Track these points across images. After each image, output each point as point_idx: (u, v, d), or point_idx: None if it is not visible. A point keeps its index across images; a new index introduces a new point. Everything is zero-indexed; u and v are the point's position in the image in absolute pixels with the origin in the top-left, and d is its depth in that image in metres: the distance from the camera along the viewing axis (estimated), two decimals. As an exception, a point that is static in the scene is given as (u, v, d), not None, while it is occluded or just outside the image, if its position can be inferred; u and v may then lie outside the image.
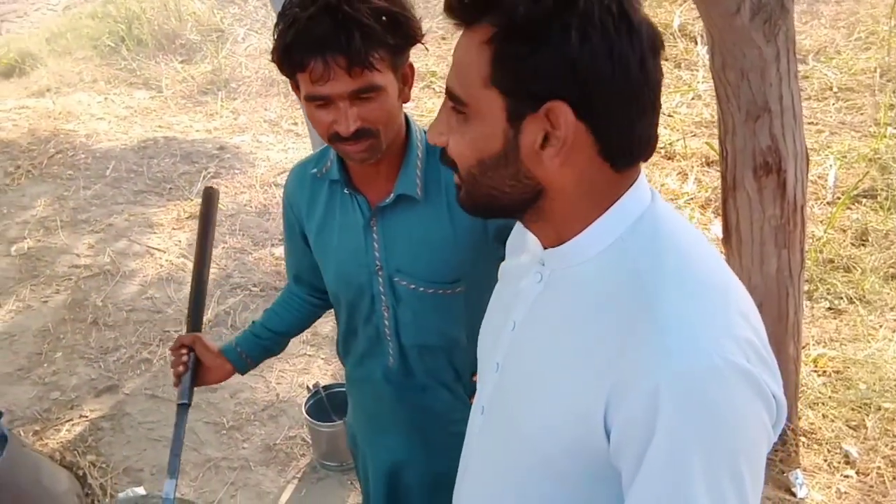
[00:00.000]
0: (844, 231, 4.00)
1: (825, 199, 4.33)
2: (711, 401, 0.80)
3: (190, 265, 3.81)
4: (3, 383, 3.13)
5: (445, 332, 1.49)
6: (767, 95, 2.37)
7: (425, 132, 1.44)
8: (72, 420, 2.95)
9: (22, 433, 2.84)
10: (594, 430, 0.86)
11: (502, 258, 1.28)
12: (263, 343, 1.68)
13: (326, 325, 3.32)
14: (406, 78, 1.35)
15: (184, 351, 1.61)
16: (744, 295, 0.90)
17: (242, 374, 1.70)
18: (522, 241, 1.10)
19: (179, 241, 4.07)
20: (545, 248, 0.98)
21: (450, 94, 0.90)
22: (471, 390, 1.54)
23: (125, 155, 4.94)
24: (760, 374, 0.82)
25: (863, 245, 3.91)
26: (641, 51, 0.84)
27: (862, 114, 5.11)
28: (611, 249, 0.91)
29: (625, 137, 0.88)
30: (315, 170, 1.49)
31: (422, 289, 1.43)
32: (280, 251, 3.97)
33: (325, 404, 2.69)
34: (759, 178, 2.48)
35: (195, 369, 1.61)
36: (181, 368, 1.60)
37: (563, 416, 0.90)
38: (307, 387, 2.78)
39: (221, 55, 6.45)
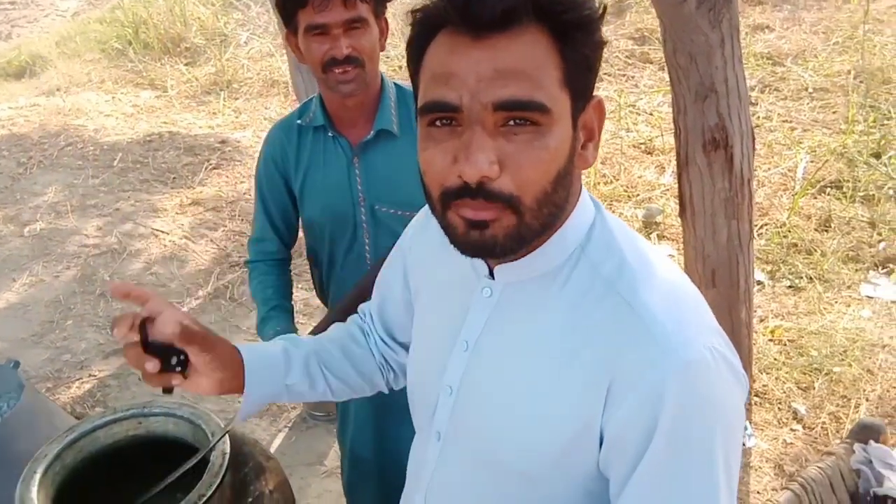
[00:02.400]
0: (809, 218, 4.24)
1: (793, 190, 4.58)
2: (709, 390, 0.82)
3: (193, 246, 4.07)
4: (17, 348, 3.38)
5: None
6: (714, 77, 2.61)
7: (396, 84, 1.71)
8: (81, 378, 3.20)
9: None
10: (587, 438, 0.86)
11: None
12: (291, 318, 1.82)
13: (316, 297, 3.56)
14: (383, 29, 1.63)
15: None
16: (695, 288, 0.92)
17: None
18: (437, 253, 1.06)
19: (182, 225, 4.32)
20: (494, 265, 0.94)
21: (522, 105, 0.79)
22: None
23: (131, 148, 5.21)
24: (733, 357, 0.86)
25: (825, 231, 4.14)
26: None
27: (834, 112, 5.35)
28: (573, 257, 0.91)
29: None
30: (300, 120, 1.75)
31: (401, 212, 1.68)
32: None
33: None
34: (709, 154, 2.73)
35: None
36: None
37: (544, 429, 0.88)
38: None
39: (225, 58, 6.72)
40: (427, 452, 1.05)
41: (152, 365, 0.96)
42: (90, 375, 3.22)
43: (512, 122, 0.79)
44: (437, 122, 0.82)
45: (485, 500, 0.97)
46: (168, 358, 0.99)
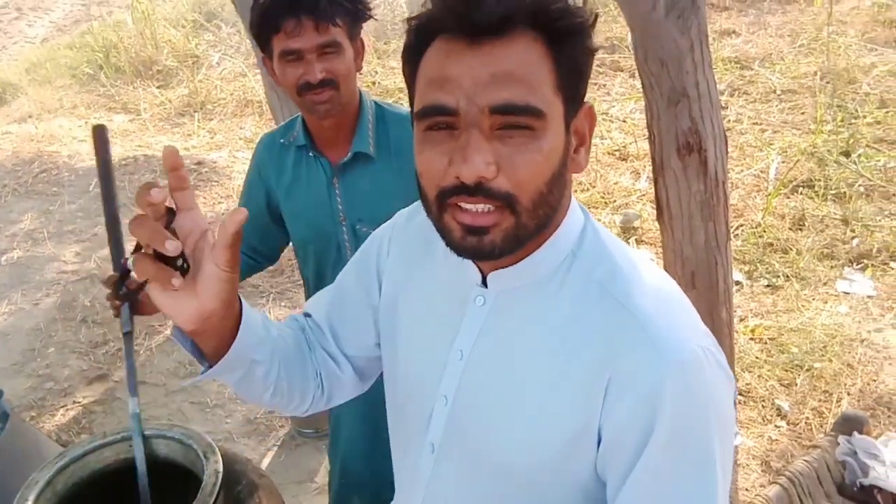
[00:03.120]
0: (783, 217, 4.30)
1: (766, 190, 4.65)
2: (703, 389, 0.84)
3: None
4: (-1, 377, 3.35)
5: None
6: (685, 82, 2.66)
7: (376, 102, 1.73)
8: (66, 406, 3.17)
9: (19, 419, 3.06)
10: (587, 436, 0.87)
11: None
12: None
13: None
14: (359, 50, 1.65)
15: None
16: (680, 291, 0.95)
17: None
18: (421, 259, 1.06)
19: (161, 248, 4.30)
20: (487, 272, 0.95)
21: (518, 109, 0.81)
22: None
23: (107, 172, 5.18)
24: (721, 357, 0.87)
25: (800, 229, 4.20)
26: None
27: (803, 113, 5.44)
28: (565, 263, 0.92)
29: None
30: (283, 139, 1.77)
31: None
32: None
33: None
34: (683, 157, 2.77)
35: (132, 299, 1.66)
36: (118, 302, 1.66)
37: (544, 435, 0.89)
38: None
39: (197, 79, 6.70)
40: (420, 465, 1.03)
41: (174, 246, 0.77)
42: (74, 402, 3.19)
43: (507, 126, 0.81)
44: (435, 127, 0.83)
45: None
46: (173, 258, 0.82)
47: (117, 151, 5.58)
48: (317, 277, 1.83)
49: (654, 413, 0.82)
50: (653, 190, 2.74)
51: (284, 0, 1.55)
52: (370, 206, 1.70)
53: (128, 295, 1.64)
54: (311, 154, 1.74)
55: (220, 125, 6.09)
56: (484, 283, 0.96)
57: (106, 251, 4.34)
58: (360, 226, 1.72)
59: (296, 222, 1.81)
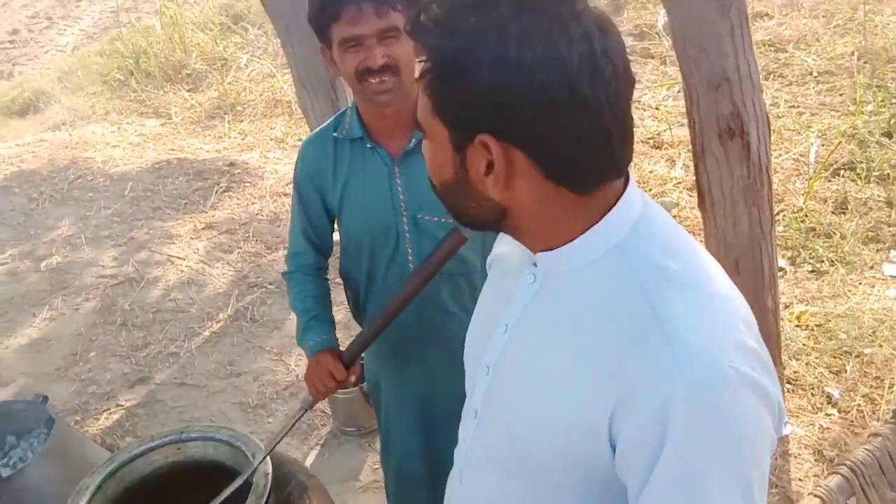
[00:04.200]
0: (825, 201, 4.21)
1: (807, 174, 4.55)
2: (722, 411, 0.81)
3: (209, 270, 4.07)
4: (42, 382, 3.38)
5: (464, 258, 1.68)
6: (725, 66, 2.60)
7: None
8: (109, 409, 3.20)
9: (64, 423, 3.08)
10: (596, 438, 0.86)
11: None
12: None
13: (339, 312, 3.54)
14: None
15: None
16: (743, 301, 0.91)
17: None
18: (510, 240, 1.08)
19: (198, 249, 4.32)
20: (537, 252, 0.96)
21: (416, 120, 0.95)
22: None
23: (141, 176, 5.22)
24: (763, 381, 0.83)
25: (843, 213, 4.11)
26: (569, 80, 0.82)
27: (841, 95, 5.32)
28: (608, 257, 0.91)
29: (570, 163, 0.87)
30: (336, 133, 1.74)
31: (444, 220, 1.65)
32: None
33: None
34: (725, 143, 2.71)
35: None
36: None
37: (559, 422, 0.90)
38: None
39: (227, 81, 6.73)
40: (466, 430, 1.09)
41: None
42: (117, 406, 3.21)
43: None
44: None
45: (506, 483, 0.99)
46: None
47: (150, 156, 5.62)
48: (369, 276, 1.80)
49: (665, 432, 0.81)
50: (689, 177, 2.69)
51: None
52: (433, 195, 1.66)
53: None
54: (368, 146, 1.70)
55: (250, 126, 6.10)
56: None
57: (143, 255, 4.40)
58: (421, 215, 1.69)
59: (352, 217, 1.77)
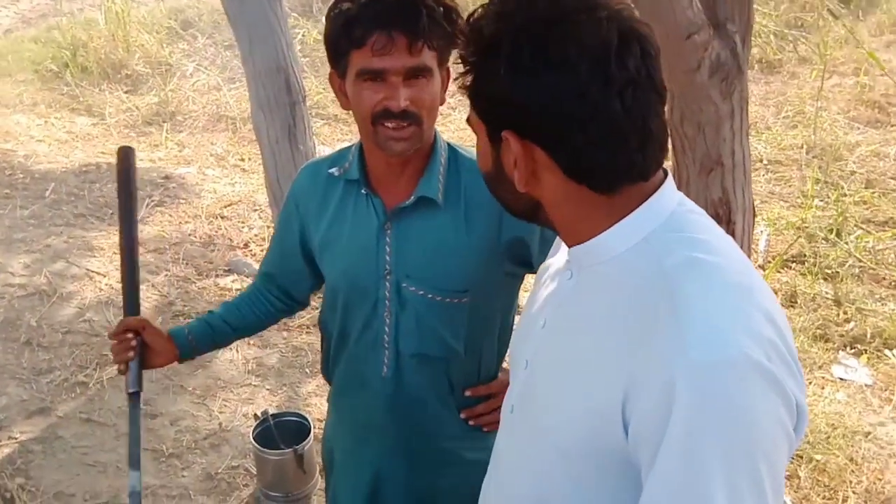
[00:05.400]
0: (776, 293, 4.19)
1: (757, 262, 4.53)
2: (728, 394, 0.80)
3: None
4: (-75, 401, 2.98)
5: (446, 342, 1.49)
6: (721, 150, 2.50)
7: (449, 143, 1.50)
8: (0, 441, 2.82)
9: (-56, 453, 2.70)
10: (611, 424, 0.87)
11: (508, 274, 1.33)
12: (216, 335, 1.66)
13: (273, 356, 3.29)
14: (444, 80, 1.41)
15: (130, 335, 1.54)
16: (771, 298, 0.92)
17: (182, 362, 1.67)
18: (560, 243, 1.13)
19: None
20: (571, 247, 1.01)
21: (467, 117, 1.01)
22: (462, 404, 1.55)
23: (65, 178, 4.83)
24: (779, 373, 0.83)
25: (792, 307, 4.08)
26: (579, 83, 0.87)
27: (790, 186, 5.40)
28: (636, 249, 0.93)
29: (585, 164, 0.91)
30: (333, 169, 1.52)
31: (430, 295, 1.45)
32: (224, 282, 3.92)
33: (272, 432, 2.62)
34: (710, 229, 2.60)
35: (142, 354, 1.54)
36: (131, 354, 1.53)
37: (580, 409, 0.91)
38: (255, 414, 2.72)
39: (169, 88, 6.40)
40: (504, 422, 1.12)
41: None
42: (10, 438, 2.84)
43: None
44: None
45: (528, 473, 1.02)
46: None
47: (78, 157, 5.23)
48: (341, 334, 1.57)
49: (670, 412, 0.81)
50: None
51: (375, 10, 1.31)
52: (424, 262, 1.45)
53: (141, 346, 1.52)
54: (363, 191, 1.48)
55: (189, 139, 5.78)
56: None
57: (59, 265, 4.02)
58: (406, 283, 1.46)
59: (330, 267, 1.55)
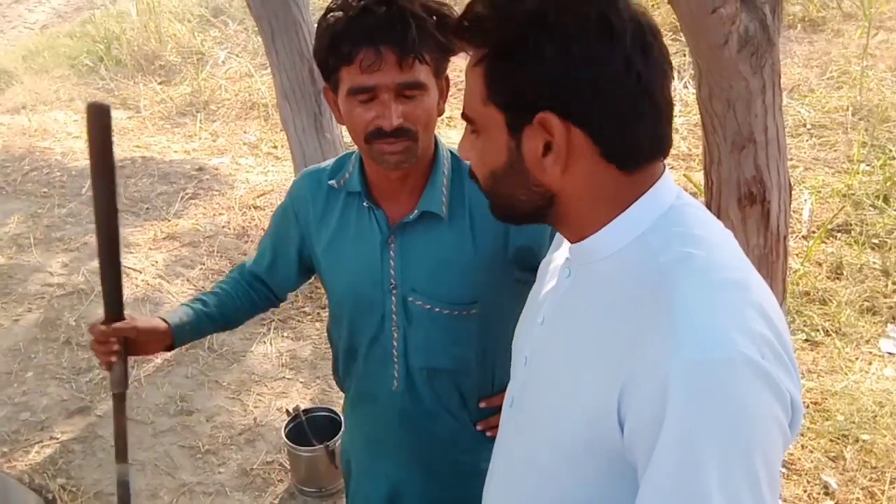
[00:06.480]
0: (820, 264, 4.05)
1: (800, 232, 4.40)
2: (722, 393, 0.80)
3: (167, 286, 3.76)
4: (-30, 403, 3.05)
5: (456, 355, 1.46)
6: (753, 126, 2.40)
7: (452, 152, 1.45)
8: (41, 442, 2.88)
9: (-11, 455, 2.77)
10: (607, 423, 0.87)
11: (518, 281, 1.28)
12: (207, 324, 1.60)
13: (306, 348, 3.29)
14: (443, 90, 1.36)
15: (113, 340, 1.47)
16: (766, 294, 0.91)
17: (171, 350, 1.59)
18: (562, 238, 1.12)
19: (156, 262, 4.01)
20: (571, 245, 1.01)
21: (463, 114, 0.97)
22: (476, 416, 1.52)
23: (102, 174, 4.88)
24: (773, 370, 0.82)
25: (837, 279, 3.95)
26: (625, 54, 0.86)
27: (835, 150, 5.21)
28: (633, 246, 0.93)
29: (625, 139, 0.90)
30: (332, 181, 1.48)
31: (437, 309, 1.41)
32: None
33: (304, 428, 2.64)
34: (744, 208, 2.50)
35: (125, 352, 1.49)
36: (114, 359, 1.47)
37: (577, 407, 0.91)
38: (287, 410, 2.74)
39: (201, 77, 6.42)
40: (504, 417, 1.13)
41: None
42: (51, 438, 2.90)
43: None
44: None
45: (527, 470, 1.01)
46: None
47: (114, 152, 5.28)
48: (350, 349, 1.54)
49: (664, 411, 0.80)
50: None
51: (362, 24, 1.25)
52: (429, 276, 1.40)
53: (124, 347, 1.45)
54: (365, 205, 1.44)
55: (223, 128, 5.80)
56: None
57: (96, 263, 4.04)
58: (412, 297, 1.42)
59: (334, 282, 1.51)
